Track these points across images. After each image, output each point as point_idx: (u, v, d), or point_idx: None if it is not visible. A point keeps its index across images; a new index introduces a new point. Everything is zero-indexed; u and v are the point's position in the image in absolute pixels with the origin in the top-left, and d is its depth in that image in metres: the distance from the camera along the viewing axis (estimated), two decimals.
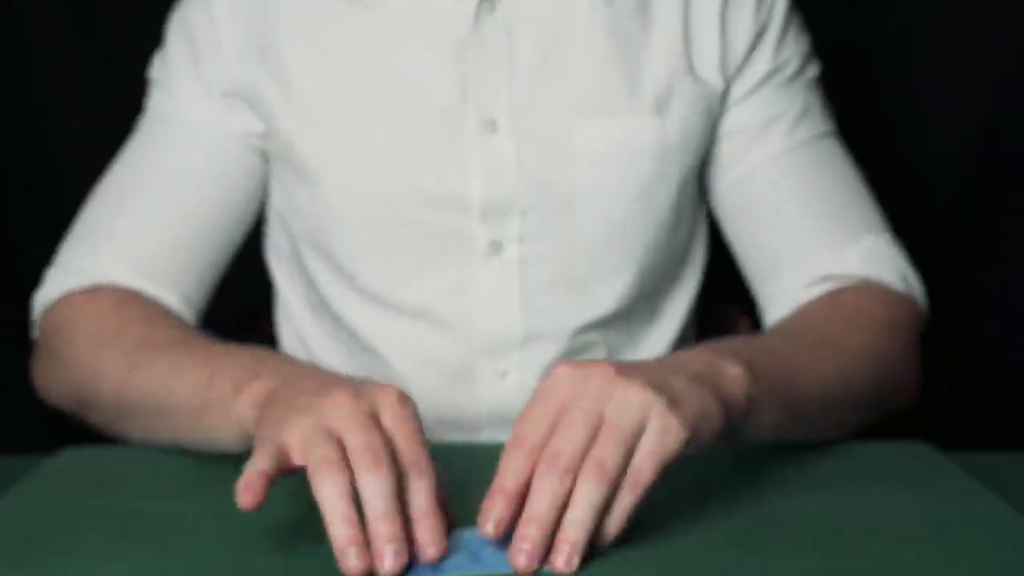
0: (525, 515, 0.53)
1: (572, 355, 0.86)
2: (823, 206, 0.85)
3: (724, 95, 0.85)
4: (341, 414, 0.55)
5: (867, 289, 0.83)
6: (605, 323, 0.86)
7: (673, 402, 0.56)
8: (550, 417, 0.55)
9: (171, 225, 0.84)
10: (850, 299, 0.82)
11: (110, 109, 0.83)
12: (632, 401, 0.55)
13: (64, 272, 0.84)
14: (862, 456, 0.73)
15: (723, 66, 0.84)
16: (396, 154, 0.82)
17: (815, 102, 0.87)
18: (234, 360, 0.69)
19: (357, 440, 0.54)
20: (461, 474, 0.70)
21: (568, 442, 0.54)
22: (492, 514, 0.53)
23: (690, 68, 0.83)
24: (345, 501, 0.53)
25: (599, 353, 0.87)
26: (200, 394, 0.68)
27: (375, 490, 0.53)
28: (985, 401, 1.26)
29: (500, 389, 0.85)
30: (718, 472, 0.70)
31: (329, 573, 0.55)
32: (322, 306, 0.89)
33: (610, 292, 0.85)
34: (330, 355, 0.90)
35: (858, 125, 0.91)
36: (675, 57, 0.83)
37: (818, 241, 0.84)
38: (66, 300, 0.82)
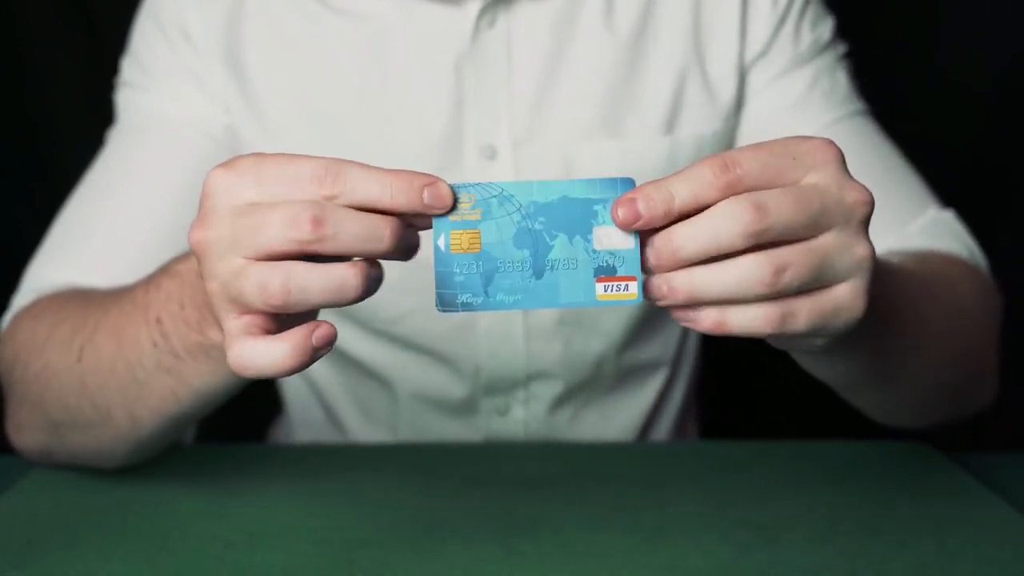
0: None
1: (577, 388, 0.84)
2: (872, 181, 0.75)
3: (739, 100, 0.81)
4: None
5: (943, 255, 0.74)
6: (611, 354, 0.84)
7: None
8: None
9: (153, 232, 0.75)
10: (933, 257, 0.73)
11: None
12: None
13: (27, 295, 0.74)
14: (862, 456, 0.73)
15: (740, 64, 0.80)
16: None
17: (843, 80, 0.82)
18: (165, 297, 0.57)
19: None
20: (463, 474, 0.70)
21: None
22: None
23: (703, 82, 0.79)
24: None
25: (604, 382, 0.85)
26: (162, 350, 0.57)
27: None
28: None
29: (501, 424, 0.84)
30: (718, 472, 0.70)
31: (329, 573, 0.55)
32: None
33: (616, 322, 0.82)
34: (331, 380, 0.88)
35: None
36: (683, 72, 0.79)
37: (876, 216, 0.77)
38: (12, 325, 0.72)
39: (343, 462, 0.73)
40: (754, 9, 0.80)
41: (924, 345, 0.62)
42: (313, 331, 0.45)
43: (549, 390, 0.83)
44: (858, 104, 0.82)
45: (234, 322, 0.45)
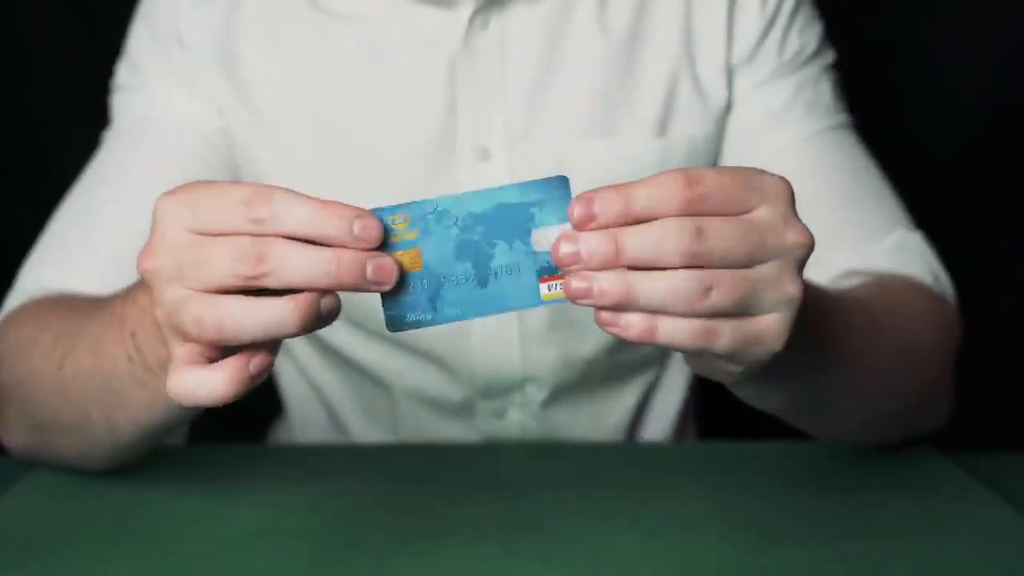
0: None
1: (570, 388, 0.84)
2: (845, 197, 0.79)
3: (728, 101, 0.81)
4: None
5: (904, 280, 0.75)
6: (605, 355, 0.84)
7: None
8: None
9: (144, 235, 0.75)
10: (894, 283, 0.74)
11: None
12: None
13: (19, 296, 0.74)
14: (863, 457, 0.73)
15: (727, 66, 0.80)
16: (379, 186, 0.76)
17: (827, 91, 0.82)
18: (140, 312, 0.57)
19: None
20: (463, 474, 0.70)
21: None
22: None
23: (695, 84, 0.79)
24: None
25: (595, 381, 0.85)
26: (137, 364, 0.57)
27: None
28: (985, 401, 1.26)
29: (499, 426, 0.84)
30: (718, 473, 0.71)
31: (329, 573, 0.55)
32: (319, 334, 0.85)
33: None
34: (332, 382, 0.88)
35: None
36: (675, 74, 0.79)
37: (842, 233, 0.77)
38: (1, 326, 0.72)
39: (343, 462, 0.73)
40: (742, 11, 0.80)
41: (865, 380, 0.63)
42: (250, 360, 0.45)
43: (543, 392, 0.83)
44: (840, 117, 0.82)
45: (179, 350, 0.46)
